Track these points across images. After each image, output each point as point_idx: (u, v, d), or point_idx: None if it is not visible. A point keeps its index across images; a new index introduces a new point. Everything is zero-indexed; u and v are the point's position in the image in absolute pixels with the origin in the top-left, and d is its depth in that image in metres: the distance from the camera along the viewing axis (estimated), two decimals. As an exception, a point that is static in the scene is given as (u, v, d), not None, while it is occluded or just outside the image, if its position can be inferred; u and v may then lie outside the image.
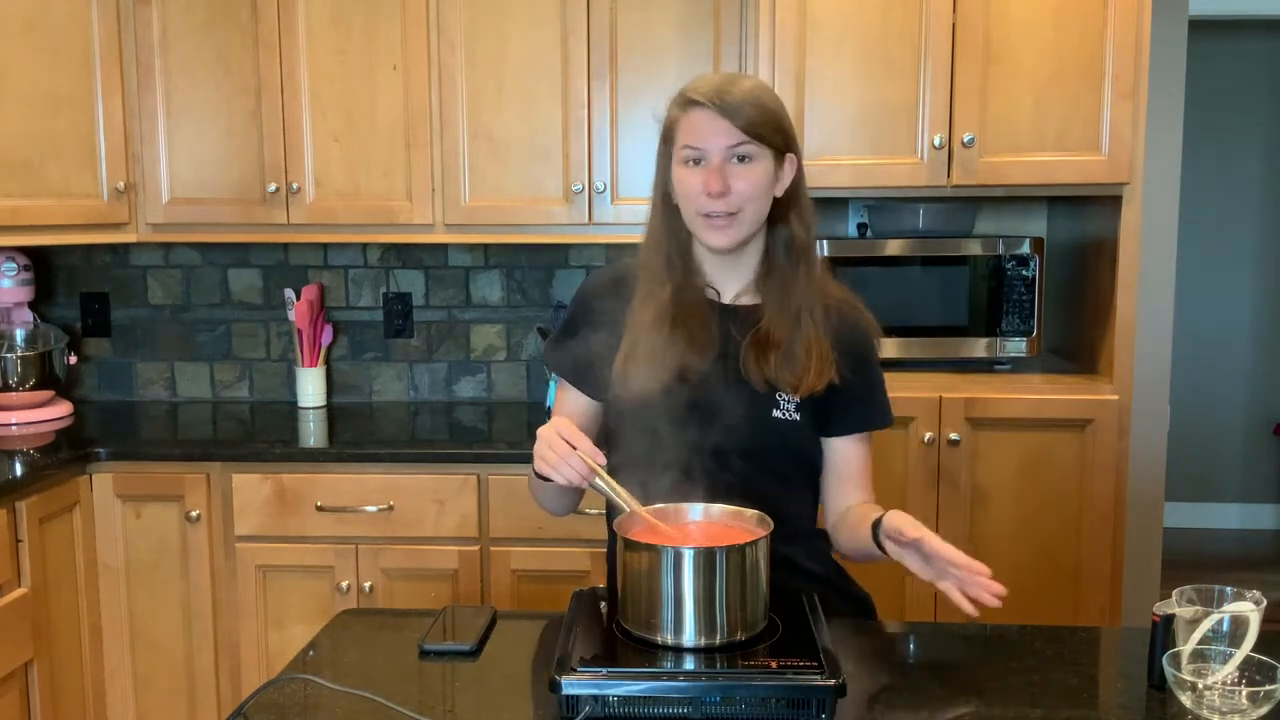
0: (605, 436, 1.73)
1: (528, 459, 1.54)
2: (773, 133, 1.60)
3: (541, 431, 1.51)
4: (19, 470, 2.44)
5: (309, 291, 3.10)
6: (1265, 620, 1.35)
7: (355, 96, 2.80)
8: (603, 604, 1.50)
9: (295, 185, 2.82)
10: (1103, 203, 2.68)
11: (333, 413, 3.10)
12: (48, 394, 2.97)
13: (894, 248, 2.79)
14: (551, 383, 1.83)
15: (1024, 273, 2.73)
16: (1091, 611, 2.58)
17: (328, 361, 3.20)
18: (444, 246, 3.14)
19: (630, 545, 1.39)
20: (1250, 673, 1.30)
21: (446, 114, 2.79)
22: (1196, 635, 1.34)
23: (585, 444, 1.48)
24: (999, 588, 1.43)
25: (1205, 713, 1.28)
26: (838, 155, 2.59)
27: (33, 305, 3.06)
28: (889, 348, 2.73)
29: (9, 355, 2.88)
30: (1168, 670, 1.31)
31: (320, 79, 2.80)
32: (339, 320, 3.20)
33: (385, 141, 2.81)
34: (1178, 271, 3.23)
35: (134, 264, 3.21)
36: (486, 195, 2.81)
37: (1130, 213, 2.58)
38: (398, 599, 2.62)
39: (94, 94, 2.77)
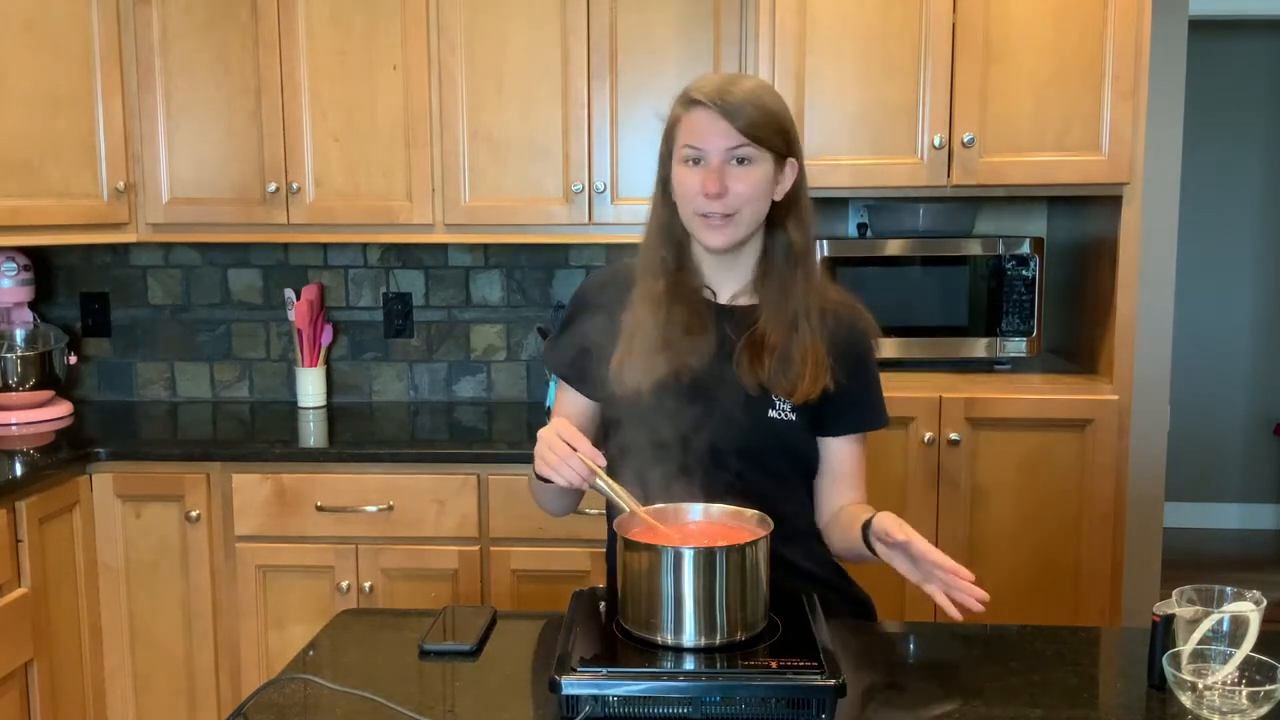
0: (603, 436, 1.73)
1: (528, 459, 1.55)
2: (773, 136, 1.60)
3: (542, 434, 1.51)
4: (19, 470, 2.44)
5: (309, 291, 3.11)
6: (1265, 620, 1.35)
7: (355, 96, 2.80)
8: (602, 604, 1.50)
9: (295, 185, 2.82)
10: (1103, 203, 2.68)
11: (333, 413, 3.10)
12: (48, 394, 2.97)
13: (894, 248, 2.78)
14: (551, 383, 1.84)
15: (1024, 273, 2.73)
16: (1091, 611, 2.58)
17: (328, 361, 3.20)
18: (444, 246, 3.14)
19: (630, 545, 1.39)
20: (1250, 673, 1.30)
21: (446, 114, 2.79)
22: (1196, 635, 1.34)
23: (585, 445, 1.48)
24: (982, 593, 1.43)
25: (1205, 713, 1.28)
26: (838, 155, 2.59)
27: (33, 305, 3.06)
28: (889, 348, 2.73)
29: (9, 355, 2.88)
30: (1168, 670, 1.31)
31: (320, 79, 2.80)
32: (339, 320, 3.20)
33: (385, 141, 2.81)
34: (1178, 271, 3.23)
35: (134, 264, 3.21)
36: (486, 195, 2.82)
37: (1130, 213, 2.58)
38: (398, 599, 2.62)
39: (94, 94, 2.77)
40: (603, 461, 1.49)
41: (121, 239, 2.88)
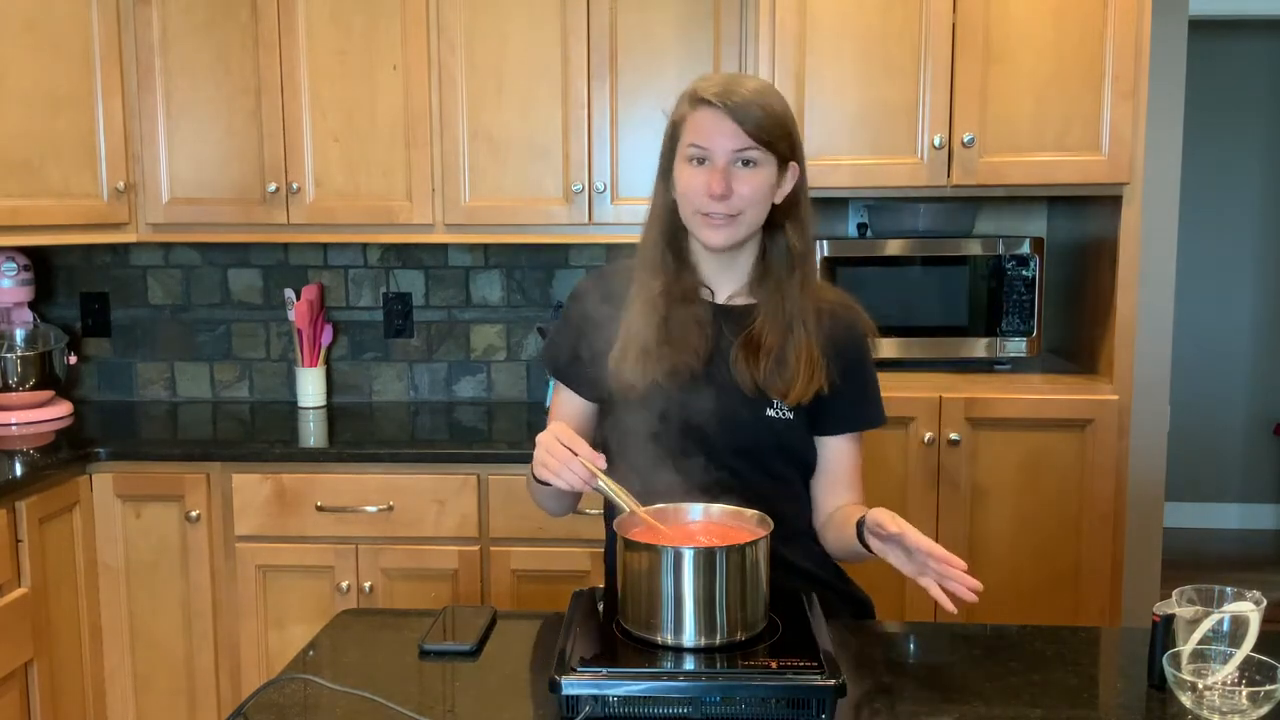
0: (601, 436, 1.73)
1: (528, 459, 1.55)
2: (779, 140, 1.60)
3: (541, 438, 1.51)
4: (19, 470, 2.44)
5: (309, 291, 3.10)
6: (1265, 620, 1.35)
7: (355, 96, 2.80)
8: (600, 604, 1.50)
9: (295, 185, 2.82)
10: (1103, 203, 2.68)
11: (333, 413, 3.10)
12: (48, 394, 2.97)
13: (894, 248, 2.79)
14: (551, 383, 1.84)
15: (1024, 273, 2.73)
16: (1091, 611, 2.58)
17: (328, 361, 3.20)
18: (444, 246, 3.14)
19: (630, 545, 1.39)
20: (1250, 673, 1.30)
21: (446, 114, 2.79)
22: (1196, 635, 1.34)
23: (585, 448, 1.48)
24: (975, 582, 1.43)
25: (1205, 713, 1.28)
26: (838, 155, 2.59)
27: (33, 305, 3.06)
28: (889, 348, 2.73)
29: (9, 355, 2.88)
30: (1168, 670, 1.31)
31: (320, 79, 2.80)
32: (339, 320, 3.20)
33: (385, 141, 2.81)
34: (1178, 271, 3.23)
35: (134, 264, 3.21)
36: (486, 195, 2.82)
37: (1130, 213, 2.58)
38: (398, 599, 2.62)
39: (94, 94, 2.77)
40: (603, 464, 1.49)
41: (121, 239, 2.88)
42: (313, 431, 2.93)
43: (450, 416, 3.04)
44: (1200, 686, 1.30)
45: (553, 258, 3.15)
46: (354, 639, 1.61)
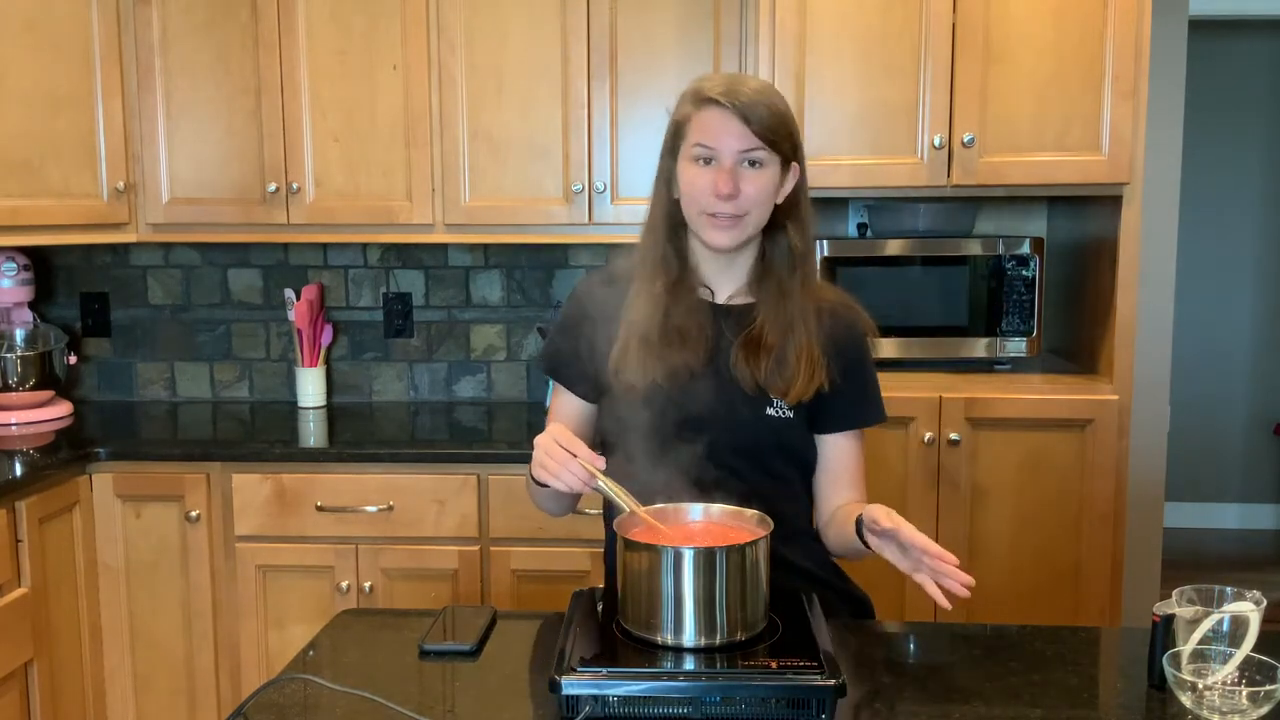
0: (600, 436, 1.73)
1: (528, 459, 1.55)
2: (783, 140, 1.61)
3: (539, 440, 1.51)
4: (19, 470, 2.44)
5: (309, 291, 3.10)
6: (1265, 620, 1.35)
7: (355, 96, 2.80)
8: (600, 604, 1.50)
9: (295, 185, 2.82)
10: (1103, 203, 2.68)
11: (333, 413, 3.10)
12: (48, 394, 2.97)
13: (894, 248, 2.79)
14: (550, 383, 1.84)
15: (1024, 273, 2.73)
16: (1091, 611, 2.58)
17: (328, 361, 3.20)
18: (444, 246, 3.14)
19: (630, 545, 1.39)
20: (1250, 673, 1.30)
21: (446, 114, 2.79)
22: (1196, 635, 1.34)
23: (583, 450, 1.48)
24: (967, 578, 1.43)
25: (1205, 713, 1.28)
26: (838, 155, 2.59)
27: (33, 305, 3.06)
28: (889, 348, 2.73)
29: (9, 355, 2.88)
30: (1168, 670, 1.31)
31: (320, 79, 2.80)
32: (339, 320, 3.20)
33: (385, 141, 2.81)
34: (1178, 271, 3.23)
35: (134, 264, 3.21)
36: (486, 195, 2.82)
37: (1130, 213, 2.58)
38: (398, 599, 2.62)
39: (94, 94, 2.77)
40: (601, 464, 1.49)
41: (121, 239, 2.88)
42: (313, 431, 2.93)
43: (450, 416, 3.04)
44: (1200, 686, 1.30)
45: (553, 258, 3.15)
46: (354, 639, 1.61)
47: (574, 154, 2.79)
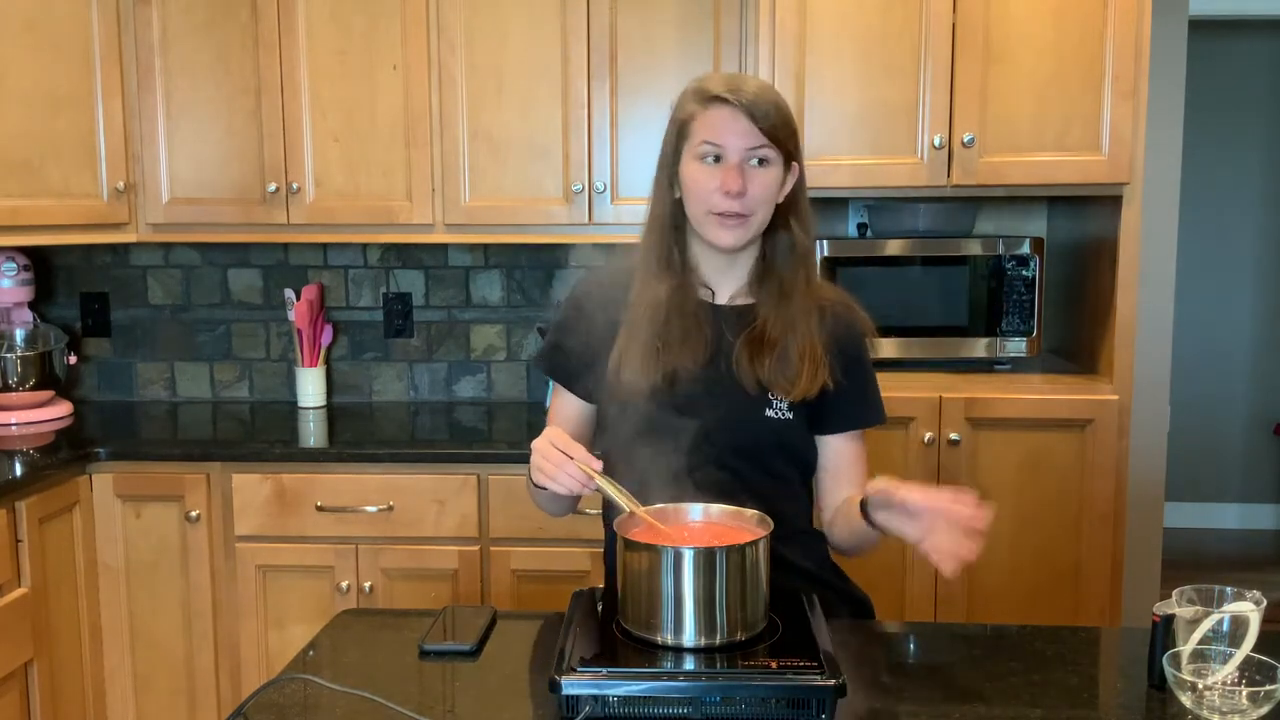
0: (601, 437, 1.73)
1: (528, 459, 1.54)
2: (788, 138, 1.62)
3: (536, 444, 1.51)
4: (19, 470, 2.44)
5: (309, 291, 3.10)
6: (1265, 620, 1.35)
7: (355, 96, 2.80)
8: (600, 604, 1.50)
9: (295, 185, 2.82)
10: (1103, 203, 2.68)
11: (333, 413, 3.10)
12: (48, 394, 2.97)
13: (894, 248, 2.79)
14: (550, 384, 1.84)
15: (1024, 273, 2.73)
16: (1091, 611, 2.58)
17: (328, 361, 3.20)
18: (444, 246, 3.14)
19: (630, 545, 1.39)
20: (1250, 673, 1.30)
21: (446, 114, 2.79)
22: (1196, 635, 1.34)
23: (580, 452, 1.48)
24: (982, 517, 1.39)
25: (1205, 713, 1.28)
26: (838, 155, 2.59)
27: (33, 305, 3.06)
28: (889, 347, 2.73)
29: (9, 355, 2.88)
30: (1168, 670, 1.31)
31: (320, 79, 2.80)
32: (339, 320, 3.20)
33: (385, 141, 2.81)
34: (1178, 271, 3.23)
35: (134, 264, 3.21)
36: (486, 195, 2.82)
37: (1130, 213, 2.58)
38: (398, 599, 2.62)
39: (94, 94, 2.77)
40: (598, 466, 1.49)
41: (121, 239, 2.88)
42: (313, 431, 2.93)
43: (450, 416, 3.04)
44: (1200, 686, 1.30)
45: (553, 258, 3.15)
46: (354, 639, 1.61)
47: (574, 154, 2.79)
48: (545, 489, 1.51)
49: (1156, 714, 1.34)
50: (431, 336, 3.20)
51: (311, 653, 1.54)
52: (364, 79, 2.79)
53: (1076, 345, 2.93)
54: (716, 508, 1.51)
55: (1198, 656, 1.35)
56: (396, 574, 2.63)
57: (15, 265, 2.97)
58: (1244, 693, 1.27)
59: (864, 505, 1.55)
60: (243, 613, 2.66)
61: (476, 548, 2.62)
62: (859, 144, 2.59)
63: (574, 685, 1.28)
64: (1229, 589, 1.40)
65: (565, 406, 1.78)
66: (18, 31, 2.64)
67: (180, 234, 2.92)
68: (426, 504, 2.60)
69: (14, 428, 2.86)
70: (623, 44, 2.76)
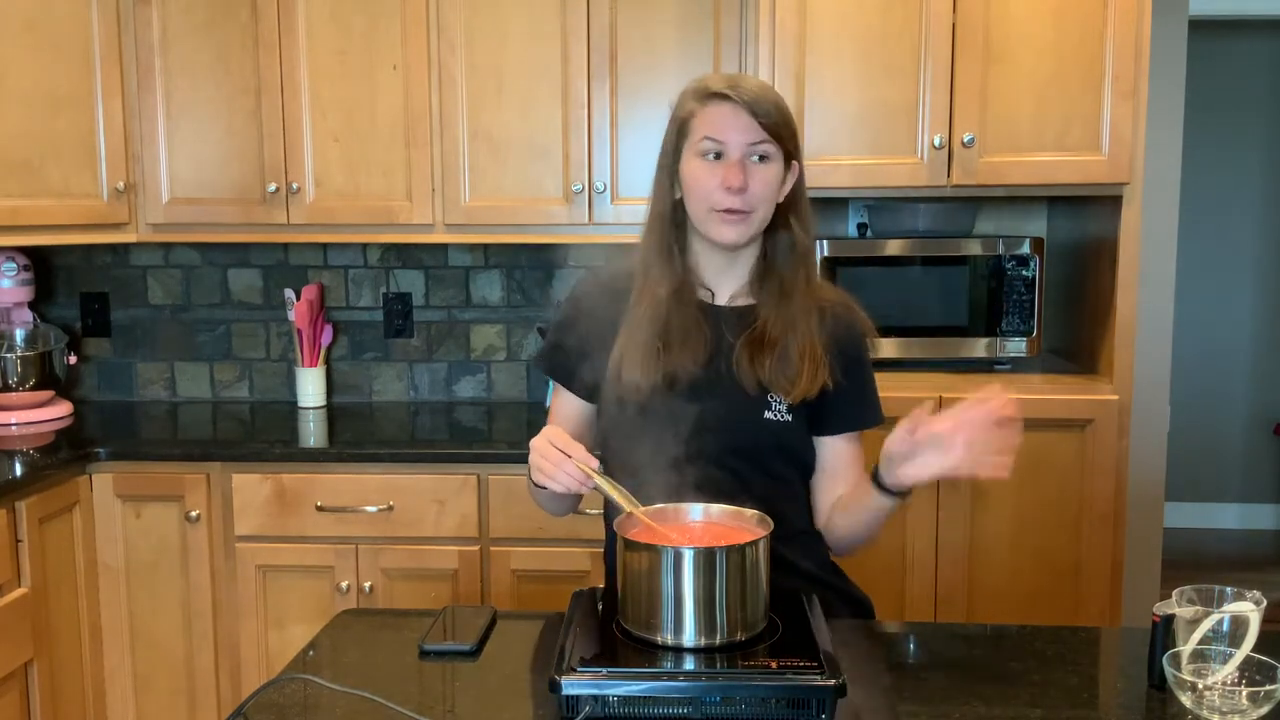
0: (601, 437, 1.73)
1: (528, 459, 1.55)
2: (788, 135, 1.62)
3: (534, 442, 1.51)
4: (19, 470, 2.44)
5: (309, 291, 3.10)
6: (1265, 620, 1.35)
7: (355, 96, 2.80)
8: (600, 604, 1.50)
9: (295, 185, 2.82)
10: (1103, 203, 2.68)
11: (333, 413, 3.10)
12: (48, 394, 2.97)
13: (894, 248, 2.78)
14: (550, 383, 1.85)
15: (1024, 273, 2.73)
16: (1091, 611, 2.58)
17: (328, 361, 3.20)
18: (444, 246, 3.14)
19: (630, 545, 1.39)
20: (1250, 673, 1.30)
21: (446, 114, 2.79)
22: (1196, 635, 1.34)
23: (578, 450, 1.48)
24: (1009, 402, 1.43)
25: (1205, 713, 1.28)
26: (838, 155, 2.59)
27: (33, 305, 3.06)
28: (889, 347, 2.73)
29: (9, 355, 2.88)
30: (1168, 670, 1.31)
31: (320, 79, 2.80)
32: (339, 320, 3.20)
33: (385, 141, 2.81)
34: (1178, 271, 3.23)
35: (134, 264, 3.21)
36: (486, 195, 2.82)
37: (1130, 213, 2.58)
38: (398, 599, 2.62)
39: (94, 94, 2.77)
40: (596, 464, 1.49)
41: (121, 239, 2.88)
42: (313, 431, 2.93)
43: (450, 416, 3.04)
44: (1200, 686, 1.30)
45: (553, 258, 3.15)
46: (354, 639, 1.61)
47: (574, 154, 2.79)
48: (545, 488, 1.51)
49: (1156, 714, 1.34)
50: (431, 336, 3.20)
51: (311, 653, 1.54)
52: (364, 79, 2.79)
53: (1076, 345, 2.93)
54: (716, 508, 1.51)
55: (1198, 656, 1.35)
56: (396, 574, 2.63)
57: (15, 265, 2.97)
58: (1244, 693, 1.27)
59: (876, 474, 1.55)
60: (243, 613, 2.66)
61: (476, 548, 2.62)
62: (859, 144, 2.59)
63: (574, 685, 1.28)
64: (1229, 589, 1.40)
65: (565, 406, 1.78)
66: (18, 31, 2.64)
67: (180, 234, 2.92)
68: (426, 504, 2.60)
69: (14, 428, 2.86)
70: (623, 44, 2.76)
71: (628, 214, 2.76)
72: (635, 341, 1.63)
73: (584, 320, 1.71)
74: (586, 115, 2.77)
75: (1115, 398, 2.56)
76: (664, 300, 1.64)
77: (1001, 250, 2.74)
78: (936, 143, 2.55)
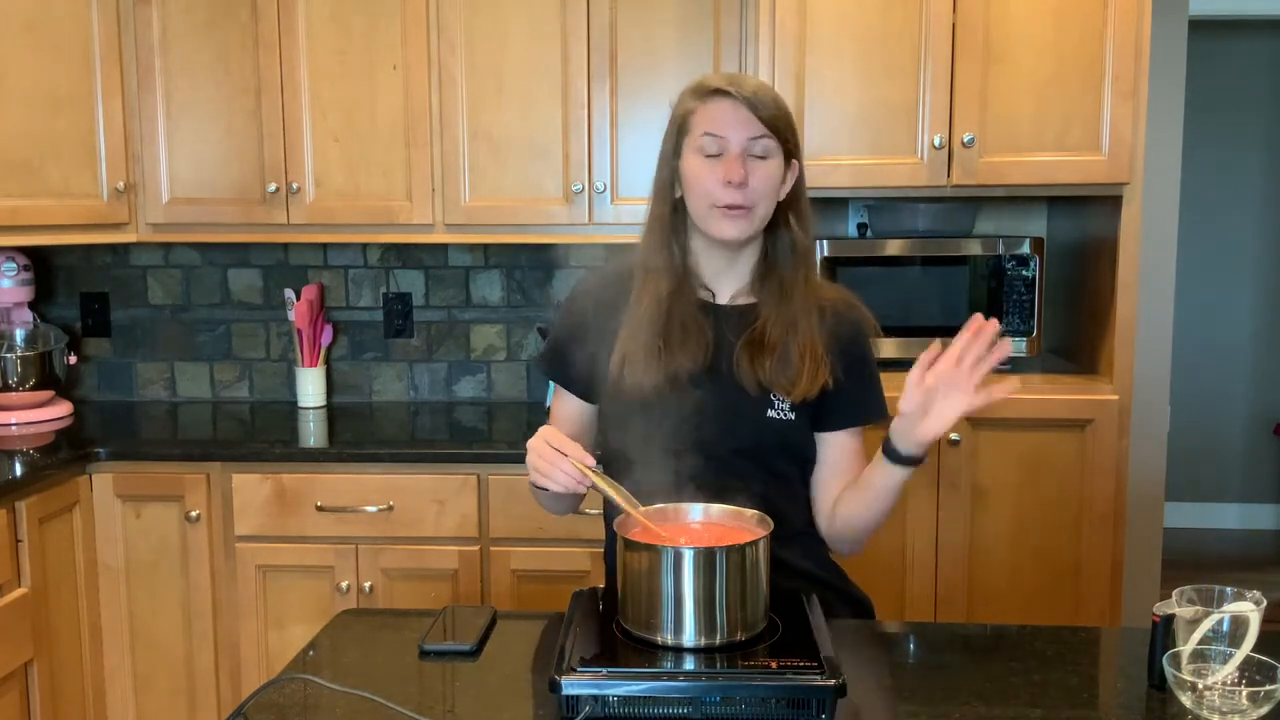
0: (602, 438, 1.73)
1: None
2: (787, 132, 1.63)
3: (531, 443, 1.52)
4: (19, 470, 2.44)
5: (309, 291, 3.10)
6: (1265, 620, 1.35)
7: (355, 96, 2.80)
8: (600, 604, 1.50)
9: (295, 185, 2.82)
10: (1103, 203, 2.68)
11: (333, 413, 3.10)
12: (48, 394, 2.97)
13: (894, 248, 2.78)
14: (551, 384, 1.85)
15: (1024, 273, 2.73)
16: (1091, 611, 2.58)
17: (328, 361, 3.20)
18: (444, 246, 3.14)
19: (630, 545, 1.39)
20: (1250, 673, 1.30)
21: (446, 114, 2.79)
22: (1196, 635, 1.34)
23: (573, 449, 1.48)
24: (995, 326, 1.47)
25: (1205, 713, 1.28)
26: (838, 155, 2.59)
27: (33, 305, 3.06)
28: (889, 347, 2.73)
29: (9, 355, 2.88)
30: (1168, 670, 1.31)
31: (320, 79, 2.80)
32: (339, 320, 3.20)
33: (385, 141, 2.81)
34: (1178, 271, 3.22)
35: (134, 264, 3.21)
36: (486, 195, 2.82)
37: (1130, 213, 2.58)
38: (398, 599, 2.62)
39: (94, 94, 2.77)
40: (591, 461, 1.49)
41: (121, 239, 2.88)
42: (313, 431, 2.93)
43: (450, 416, 3.04)
44: (1200, 686, 1.30)
45: (553, 258, 3.15)
46: (354, 639, 1.61)
47: (574, 154, 2.79)
48: (546, 490, 1.52)
49: (1156, 714, 1.34)
50: (431, 336, 3.20)
51: (311, 653, 1.54)
52: (364, 79, 2.79)
53: (1076, 345, 2.93)
54: (716, 508, 1.51)
55: (1198, 656, 1.35)
56: (396, 574, 2.63)
57: (15, 265, 2.97)
58: (1244, 693, 1.27)
59: (887, 449, 1.55)
60: (243, 613, 2.66)
61: (476, 548, 2.62)
62: (859, 144, 2.59)
63: (574, 685, 1.28)
64: (1229, 589, 1.40)
65: (565, 407, 1.78)
66: (18, 31, 2.64)
67: (180, 234, 2.92)
68: (426, 504, 2.60)
69: (14, 428, 2.86)
70: (623, 44, 2.76)
71: (628, 214, 2.76)
72: (637, 342, 1.63)
73: (584, 321, 1.71)
74: (586, 115, 2.77)
75: (1115, 398, 2.56)
76: (665, 301, 1.64)
77: (1001, 250, 2.74)
78: (936, 143, 2.55)
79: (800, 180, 1.68)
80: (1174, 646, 1.36)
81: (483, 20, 2.76)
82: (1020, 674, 1.44)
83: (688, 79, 1.69)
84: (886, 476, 1.58)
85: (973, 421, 2.55)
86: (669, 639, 1.35)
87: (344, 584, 2.62)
